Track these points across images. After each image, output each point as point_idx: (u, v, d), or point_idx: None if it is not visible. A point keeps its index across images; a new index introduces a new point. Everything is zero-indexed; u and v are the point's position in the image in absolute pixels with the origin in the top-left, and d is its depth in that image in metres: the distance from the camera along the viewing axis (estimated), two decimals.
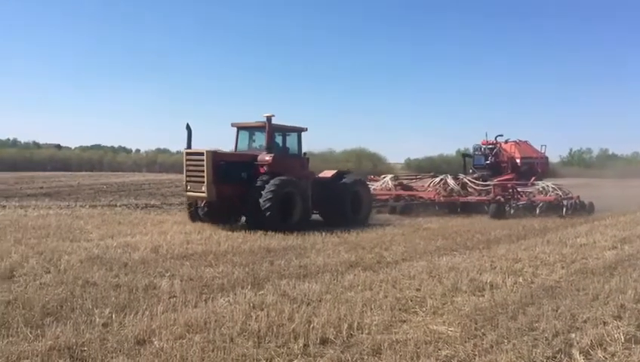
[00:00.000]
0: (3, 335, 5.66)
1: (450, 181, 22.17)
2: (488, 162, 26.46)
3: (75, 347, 5.41)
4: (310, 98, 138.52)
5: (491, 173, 25.19)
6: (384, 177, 24.51)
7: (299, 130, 17.72)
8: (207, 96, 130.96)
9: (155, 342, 5.61)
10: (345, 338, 5.96)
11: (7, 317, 6.29)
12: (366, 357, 5.48)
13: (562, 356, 5.61)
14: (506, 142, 27.46)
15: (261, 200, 14.88)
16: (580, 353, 5.65)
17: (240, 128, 17.56)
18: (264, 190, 15.02)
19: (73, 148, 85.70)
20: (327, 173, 18.45)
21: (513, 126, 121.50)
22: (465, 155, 28.40)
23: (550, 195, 21.25)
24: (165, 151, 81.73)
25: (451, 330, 6.32)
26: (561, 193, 21.34)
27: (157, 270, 9.24)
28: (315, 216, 17.62)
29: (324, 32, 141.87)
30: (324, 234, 14.26)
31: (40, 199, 24.57)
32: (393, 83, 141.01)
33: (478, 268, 10.04)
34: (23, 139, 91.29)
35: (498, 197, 20.83)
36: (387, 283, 8.64)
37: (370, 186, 22.37)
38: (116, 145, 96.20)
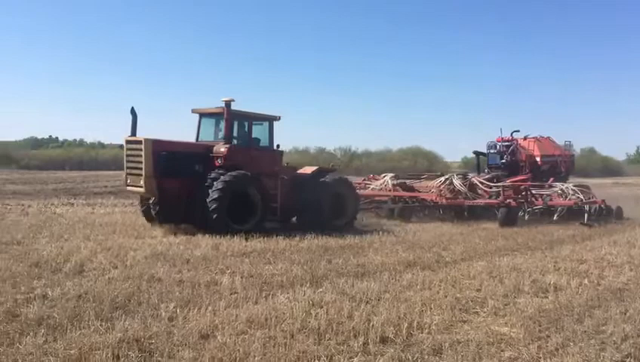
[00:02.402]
0: (76, 327, 5.90)
1: (456, 181, 19.36)
2: (504, 161, 23.82)
3: (143, 339, 5.59)
4: (367, 97, 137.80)
5: (507, 173, 22.72)
6: (384, 176, 21.70)
7: (270, 119, 15.35)
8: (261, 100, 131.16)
9: (219, 337, 5.73)
10: (405, 338, 5.94)
11: (79, 310, 6.56)
12: (427, 357, 5.44)
13: (632, 360, 5.42)
14: (525, 138, 24.74)
15: (207, 200, 13.17)
16: None
17: (203, 115, 15.45)
18: (212, 187, 13.31)
19: None
20: (307, 170, 16.40)
21: (576, 122, 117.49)
22: (479, 154, 25.30)
23: (570, 199, 18.69)
24: None
25: (514, 332, 6.21)
26: (582, 197, 18.62)
27: (218, 267, 9.44)
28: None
29: (379, 31, 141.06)
30: (381, 233, 14.23)
31: (105, 197, 25.51)
32: (451, 79, 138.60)
33: (540, 269, 9.81)
34: (88, 139, 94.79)
35: (508, 200, 18.06)
36: (446, 283, 8.56)
37: (368, 186, 21.09)
38: None
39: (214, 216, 13.07)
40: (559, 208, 18.81)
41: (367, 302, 7.29)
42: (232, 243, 11.76)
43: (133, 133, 13.79)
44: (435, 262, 10.49)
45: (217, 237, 12.53)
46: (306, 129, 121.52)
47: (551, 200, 19.12)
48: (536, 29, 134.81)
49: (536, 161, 24.06)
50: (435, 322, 6.44)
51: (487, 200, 18.90)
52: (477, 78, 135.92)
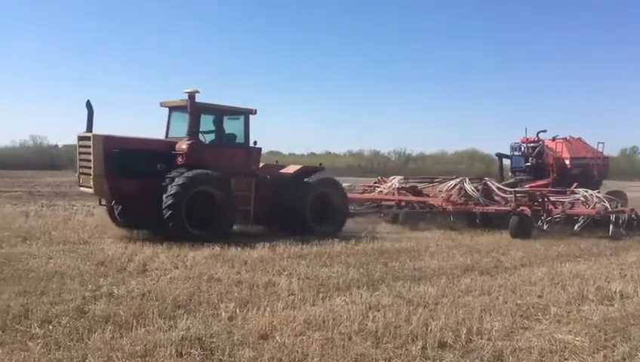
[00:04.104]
0: (140, 325, 6.10)
1: (468, 186, 17.51)
2: (529, 164, 21.57)
3: (204, 338, 5.73)
4: (420, 99, 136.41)
5: (533, 177, 20.94)
6: (393, 179, 20.22)
7: (245, 113, 13.90)
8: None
9: (277, 337, 5.81)
10: (464, 343, 5.86)
11: (143, 308, 6.78)
12: None
13: None
14: (553, 139, 22.31)
15: (162, 206, 11.91)
16: None
17: (172, 109, 14.01)
18: (167, 191, 12.01)
19: None
20: (290, 169, 14.87)
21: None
22: (501, 156, 23.08)
23: (594, 207, 16.25)
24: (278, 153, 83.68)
25: (578, 340, 6.02)
26: (607, 205, 16.27)
27: (275, 268, 9.56)
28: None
29: (429, 34, 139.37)
30: (437, 236, 14.08)
31: None
32: (511, 79, 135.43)
33: (605, 276, 9.50)
34: None
35: (521, 208, 15.91)
36: (506, 289, 8.39)
37: (377, 189, 20.12)
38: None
39: (170, 224, 11.96)
40: (581, 217, 16.34)
41: (425, 306, 7.24)
42: (289, 246, 11.86)
43: (89, 129, 12.58)
44: (493, 267, 10.32)
45: (274, 239, 12.65)
46: (360, 132, 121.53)
47: (571, 208, 16.82)
48: (599, 27, 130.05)
49: (565, 165, 21.54)
50: (495, 328, 6.32)
51: (498, 208, 16.93)
52: (535, 78, 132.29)
